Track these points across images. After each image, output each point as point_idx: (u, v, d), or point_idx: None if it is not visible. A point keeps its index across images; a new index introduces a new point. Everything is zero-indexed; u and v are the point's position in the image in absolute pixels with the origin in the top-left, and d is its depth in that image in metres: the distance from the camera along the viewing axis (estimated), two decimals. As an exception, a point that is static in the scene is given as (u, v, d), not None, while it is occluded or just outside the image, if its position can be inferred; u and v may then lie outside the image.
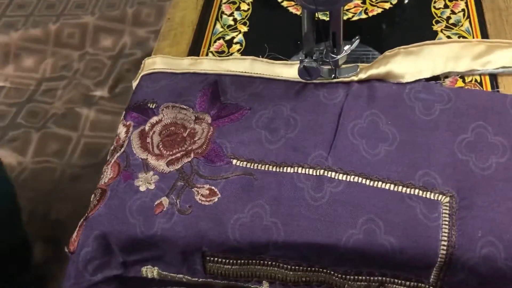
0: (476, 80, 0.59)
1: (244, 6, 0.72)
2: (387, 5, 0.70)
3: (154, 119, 0.58)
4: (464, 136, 0.53)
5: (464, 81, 0.59)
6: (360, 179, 0.51)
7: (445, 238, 0.47)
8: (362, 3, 0.70)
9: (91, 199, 0.55)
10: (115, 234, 0.52)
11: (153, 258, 0.54)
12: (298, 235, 0.49)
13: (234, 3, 0.73)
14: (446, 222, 0.48)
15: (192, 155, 0.55)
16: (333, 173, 0.52)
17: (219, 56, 0.66)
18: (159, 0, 1.41)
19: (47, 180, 1.05)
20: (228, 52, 0.67)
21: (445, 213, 0.49)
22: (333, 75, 0.58)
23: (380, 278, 0.50)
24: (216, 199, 0.52)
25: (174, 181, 0.54)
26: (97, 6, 1.45)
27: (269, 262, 0.52)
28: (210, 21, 0.71)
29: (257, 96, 0.59)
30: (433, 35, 0.64)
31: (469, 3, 0.67)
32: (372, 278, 0.51)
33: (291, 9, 0.71)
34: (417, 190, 0.50)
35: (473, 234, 0.47)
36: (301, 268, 0.52)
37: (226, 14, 0.71)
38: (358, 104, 0.56)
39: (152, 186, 0.53)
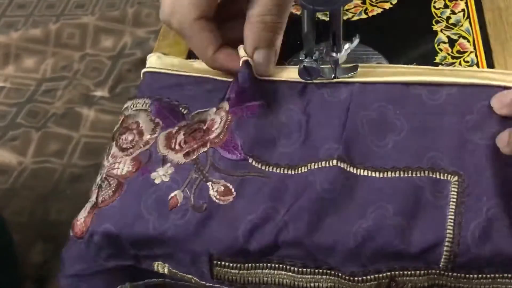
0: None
1: (244, 6, 0.72)
2: (387, 5, 0.70)
3: (183, 123, 0.58)
4: (470, 117, 0.53)
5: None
6: (369, 172, 0.51)
7: (452, 213, 0.48)
8: (362, 3, 0.70)
9: (103, 187, 0.54)
10: (126, 230, 0.51)
11: (164, 255, 0.53)
12: (308, 233, 0.49)
13: (234, 3, 0.72)
14: (454, 200, 0.49)
15: (208, 144, 0.54)
16: (345, 165, 0.51)
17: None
18: (159, 0, 1.41)
19: (47, 180, 1.05)
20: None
21: (454, 191, 0.49)
22: (333, 75, 0.58)
23: (389, 273, 0.49)
24: (231, 199, 0.51)
25: (189, 173, 0.53)
26: (97, 6, 1.45)
27: (276, 265, 0.51)
28: (210, 21, 0.71)
29: (267, 98, 0.59)
30: (433, 35, 0.64)
31: (469, 3, 0.67)
32: (380, 275, 0.49)
33: (291, 9, 0.71)
34: (426, 172, 0.50)
35: (478, 204, 0.48)
36: (309, 270, 0.51)
37: (226, 14, 0.71)
38: (365, 98, 0.56)
39: (167, 178, 0.53)
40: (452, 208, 0.48)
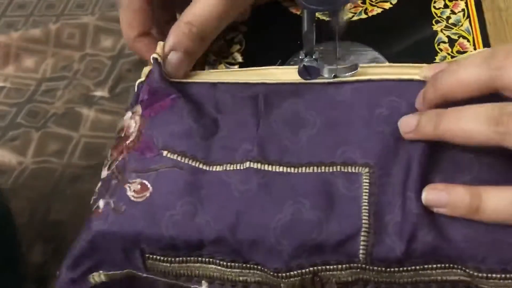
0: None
1: (244, 6, 0.72)
2: (387, 5, 0.70)
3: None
4: (380, 111, 0.54)
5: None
6: (284, 168, 0.52)
7: (366, 203, 0.49)
8: (362, 3, 0.70)
9: None
10: (67, 260, 0.53)
11: (97, 264, 0.54)
12: (229, 231, 0.50)
13: (234, 3, 0.72)
14: (367, 190, 0.49)
15: (125, 151, 0.55)
16: (259, 164, 0.52)
17: (220, 56, 0.66)
18: None
19: (47, 180, 1.05)
20: (228, 52, 0.67)
21: (366, 182, 0.50)
22: (333, 75, 0.58)
23: (311, 268, 0.50)
24: (148, 194, 0.52)
25: (110, 182, 0.54)
26: (97, 6, 1.45)
27: (206, 259, 0.52)
28: (210, 21, 0.71)
29: (185, 95, 0.59)
30: (433, 35, 0.64)
31: (469, 3, 0.67)
32: (303, 270, 0.50)
33: (291, 9, 0.71)
34: (338, 167, 0.51)
35: (390, 195, 0.49)
36: (237, 265, 0.52)
37: (226, 14, 0.71)
38: (274, 96, 0.58)
39: (96, 195, 0.53)
40: (365, 199, 0.49)
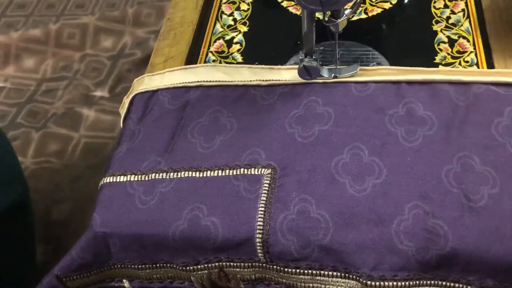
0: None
1: (244, 6, 0.72)
2: (387, 5, 0.70)
3: None
4: (295, 112, 0.56)
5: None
6: (190, 173, 0.54)
7: (263, 205, 0.50)
8: (362, 3, 0.70)
9: None
10: None
11: None
12: (133, 237, 0.53)
13: (234, 3, 0.73)
14: (265, 191, 0.51)
15: None
16: (164, 174, 0.54)
17: (219, 56, 0.66)
18: (159, 0, 1.41)
19: (47, 180, 1.05)
20: (228, 52, 0.67)
21: (266, 183, 0.52)
22: (333, 75, 0.58)
23: (217, 264, 0.52)
24: None
25: None
26: (97, 6, 1.44)
27: (118, 265, 0.56)
28: (210, 21, 0.71)
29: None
30: (433, 35, 0.64)
31: (469, 3, 0.67)
32: (210, 265, 0.52)
33: (291, 9, 0.71)
34: (242, 169, 0.53)
35: (288, 196, 0.50)
36: (148, 266, 0.55)
37: (226, 14, 0.71)
38: (200, 104, 0.60)
39: None
40: (263, 200, 0.51)
